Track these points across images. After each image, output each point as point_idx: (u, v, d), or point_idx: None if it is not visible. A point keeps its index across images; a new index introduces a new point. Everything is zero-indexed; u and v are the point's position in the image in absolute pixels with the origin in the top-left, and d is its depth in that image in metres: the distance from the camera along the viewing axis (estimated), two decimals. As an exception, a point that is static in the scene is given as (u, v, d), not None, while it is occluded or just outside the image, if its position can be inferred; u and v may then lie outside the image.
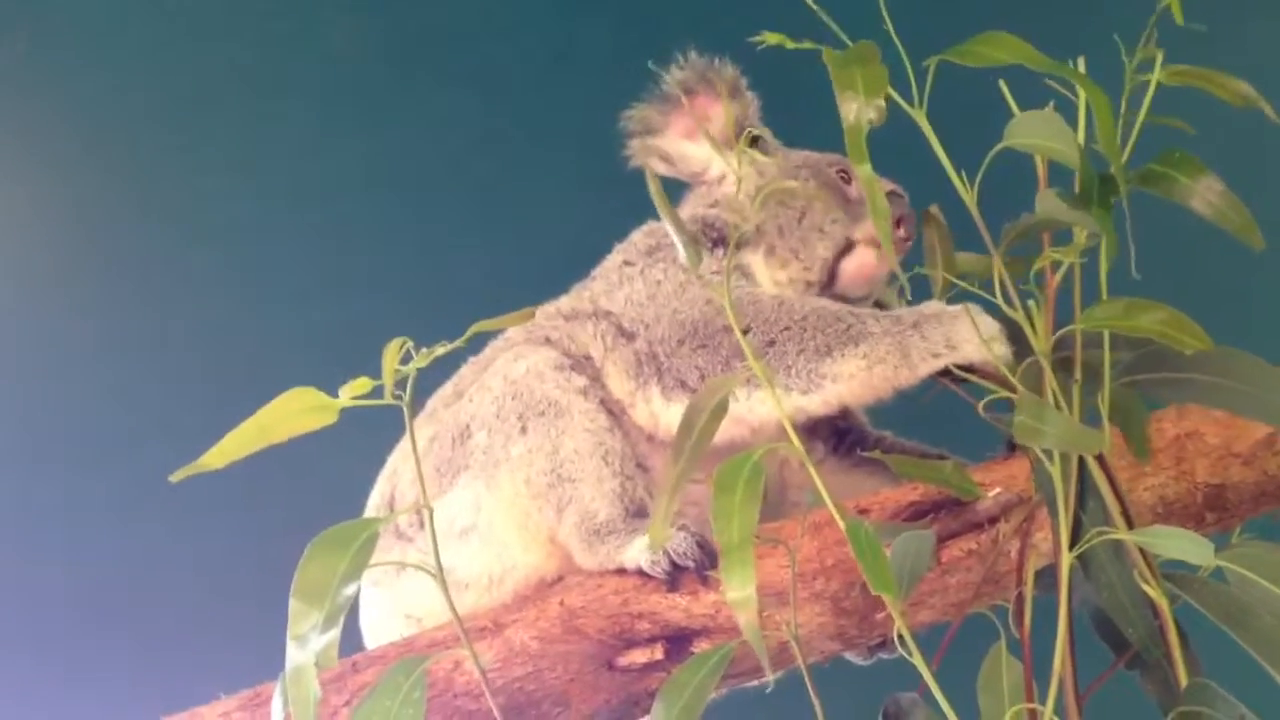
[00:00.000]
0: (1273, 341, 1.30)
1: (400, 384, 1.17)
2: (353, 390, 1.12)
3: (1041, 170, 1.28)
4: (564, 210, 2.19)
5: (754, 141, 1.53)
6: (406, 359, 1.15)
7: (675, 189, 1.59)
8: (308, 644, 1.09)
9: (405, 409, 1.19)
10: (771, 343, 1.39)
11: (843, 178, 1.54)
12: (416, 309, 2.14)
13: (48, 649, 2.11)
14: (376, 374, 1.17)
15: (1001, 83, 1.27)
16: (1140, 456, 1.30)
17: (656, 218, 1.54)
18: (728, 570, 1.08)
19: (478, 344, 1.50)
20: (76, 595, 2.14)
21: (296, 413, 1.14)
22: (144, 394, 2.19)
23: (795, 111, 1.55)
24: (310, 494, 1.87)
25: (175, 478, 1.16)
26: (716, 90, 1.52)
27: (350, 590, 1.10)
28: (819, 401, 1.40)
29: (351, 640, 1.50)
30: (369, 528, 1.13)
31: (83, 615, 2.13)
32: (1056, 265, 1.28)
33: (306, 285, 2.24)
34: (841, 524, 1.14)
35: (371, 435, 1.45)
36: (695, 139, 1.54)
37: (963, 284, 1.37)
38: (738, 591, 1.08)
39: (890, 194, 1.47)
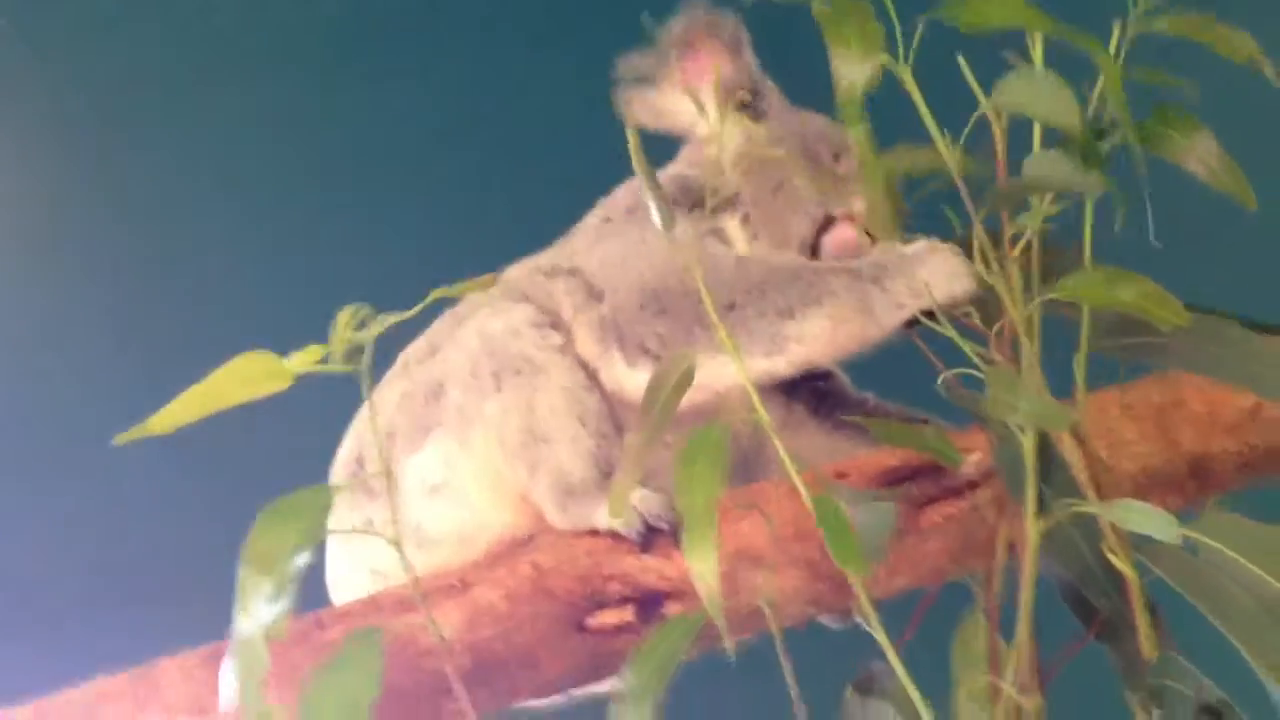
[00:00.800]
0: (1264, 305, 1.27)
1: (358, 351, 1.14)
2: (306, 357, 1.09)
3: (1037, 133, 1.24)
4: (551, 159, 2.15)
5: (748, 103, 1.50)
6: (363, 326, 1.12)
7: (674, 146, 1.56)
8: (257, 614, 1.07)
9: (363, 376, 1.16)
10: (731, 306, 1.36)
11: (833, 154, 1.50)
12: (398, 269, 2.10)
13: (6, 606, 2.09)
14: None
15: (960, 57, 1.23)
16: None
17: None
18: (689, 540, 1.06)
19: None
20: (39, 552, 2.11)
21: (249, 378, 1.11)
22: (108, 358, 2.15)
23: (786, 68, 1.52)
24: (279, 452, 1.86)
25: (120, 440, 1.13)
26: (716, 42, 1.48)
27: (302, 560, 1.08)
28: (784, 363, 1.37)
29: (318, 596, 1.49)
30: (324, 496, 1.10)
31: (45, 571, 2.11)
32: (1019, 234, 1.25)
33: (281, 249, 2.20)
34: (807, 499, 1.11)
35: (338, 398, 1.43)
36: (693, 92, 1.49)
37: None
38: (700, 563, 1.07)
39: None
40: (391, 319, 1.14)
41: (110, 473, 2.00)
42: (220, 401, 1.12)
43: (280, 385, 1.12)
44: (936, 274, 1.31)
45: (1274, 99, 1.28)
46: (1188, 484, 1.34)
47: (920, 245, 1.35)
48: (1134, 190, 1.20)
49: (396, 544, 1.18)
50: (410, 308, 1.20)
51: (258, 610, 1.07)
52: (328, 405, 1.45)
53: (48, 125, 2.19)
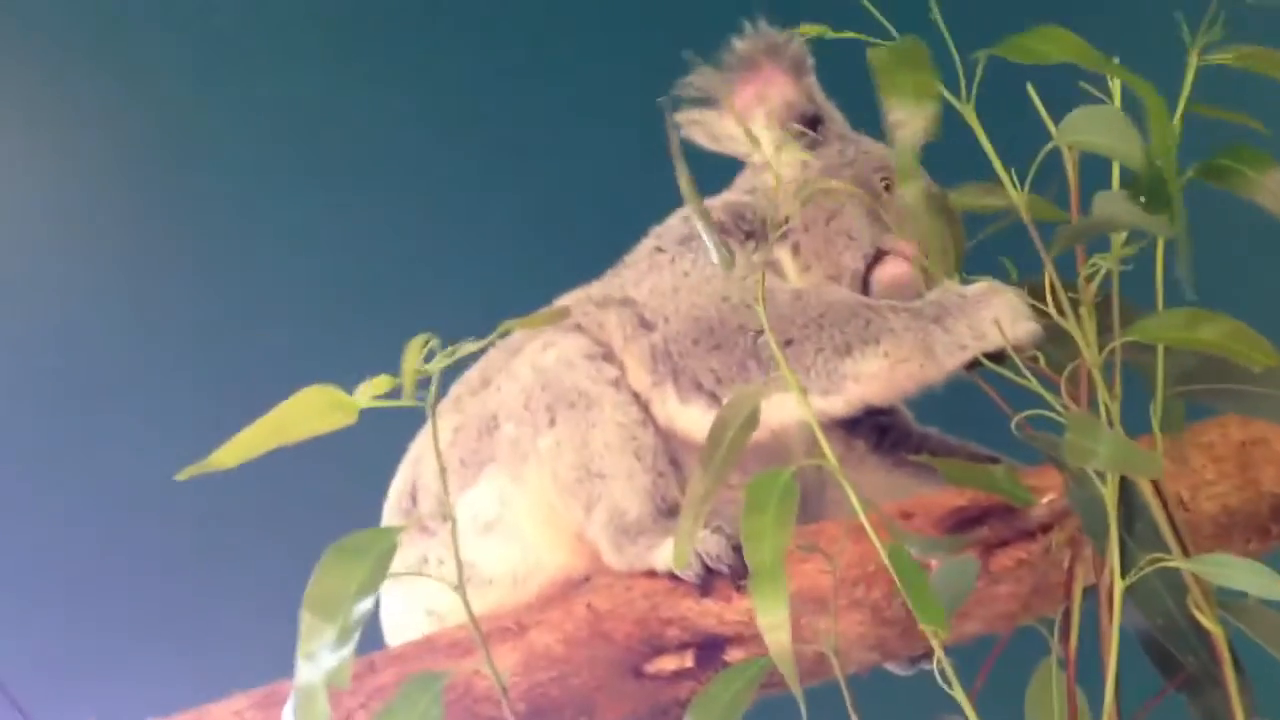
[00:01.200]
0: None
1: (423, 384, 1.11)
2: (372, 389, 1.06)
3: (1114, 171, 1.20)
4: (600, 192, 2.12)
5: (811, 127, 1.46)
6: (430, 357, 1.09)
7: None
8: (319, 661, 1.03)
9: (429, 410, 1.13)
10: (789, 342, 1.33)
11: (886, 185, 1.45)
12: (438, 301, 2.08)
13: (48, 641, 2.08)
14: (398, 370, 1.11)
15: (1029, 86, 1.19)
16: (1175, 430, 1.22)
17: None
18: (759, 594, 1.03)
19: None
20: (75, 585, 2.10)
21: (314, 412, 1.08)
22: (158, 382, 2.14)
23: (851, 91, 1.48)
24: (329, 481, 1.84)
25: (182, 476, 1.11)
26: (778, 65, 1.45)
27: (366, 605, 1.05)
28: (841, 403, 1.33)
29: (370, 636, 1.46)
30: (387, 538, 1.07)
31: (83, 607, 2.10)
32: (1093, 274, 1.21)
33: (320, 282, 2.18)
34: (881, 550, 1.08)
35: (390, 430, 1.40)
36: (749, 117, 1.45)
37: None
38: (769, 616, 1.03)
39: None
40: (462, 350, 1.11)
41: (164, 508, 1.99)
42: (284, 436, 1.09)
43: (346, 420, 1.10)
44: (1000, 316, 1.27)
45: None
46: (1270, 526, 1.29)
47: (982, 286, 1.31)
48: (1199, 232, 1.16)
49: (460, 587, 1.14)
50: (475, 337, 1.17)
51: (320, 657, 1.04)
52: (380, 439, 1.44)
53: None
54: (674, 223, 1.50)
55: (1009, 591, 1.27)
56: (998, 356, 1.27)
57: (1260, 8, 1.25)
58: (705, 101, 1.45)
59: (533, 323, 1.18)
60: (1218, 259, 1.15)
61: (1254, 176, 1.16)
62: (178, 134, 2.17)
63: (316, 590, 1.05)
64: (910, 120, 1.10)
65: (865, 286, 1.43)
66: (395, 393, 1.12)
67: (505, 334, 1.16)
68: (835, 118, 1.50)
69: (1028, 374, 1.19)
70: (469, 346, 1.11)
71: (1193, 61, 1.20)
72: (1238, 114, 1.21)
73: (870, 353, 1.31)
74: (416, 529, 1.44)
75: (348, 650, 1.04)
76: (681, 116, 1.46)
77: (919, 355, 1.30)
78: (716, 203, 1.49)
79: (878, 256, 1.43)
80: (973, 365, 1.29)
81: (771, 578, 1.03)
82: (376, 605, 1.42)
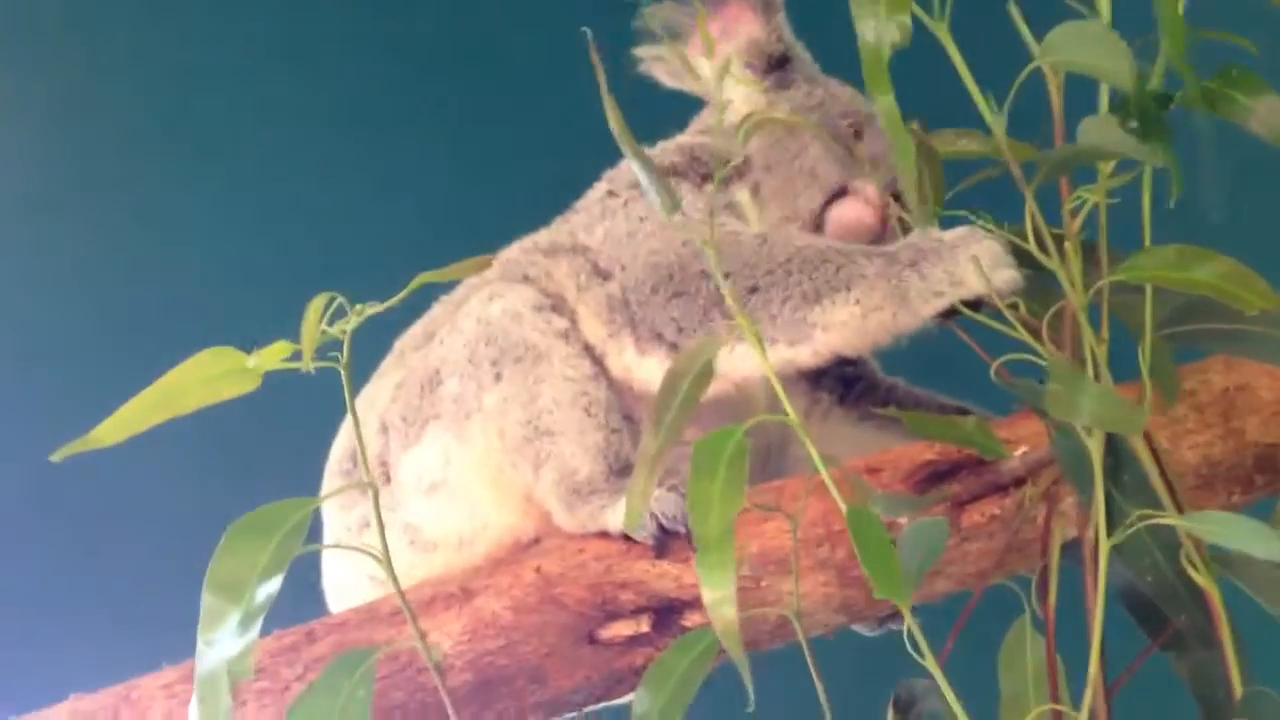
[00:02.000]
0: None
1: (336, 345, 1.03)
2: (272, 354, 0.98)
3: (1103, 95, 1.12)
4: (549, 133, 2.04)
5: (778, 68, 1.39)
6: (342, 314, 1.01)
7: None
8: (221, 647, 0.96)
9: (343, 372, 1.05)
10: (754, 289, 1.26)
11: (854, 130, 1.39)
12: (380, 245, 2.00)
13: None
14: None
15: (1011, 5, 1.12)
16: (1167, 399, 1.16)
17: (658, 141, 1.41)
18: (704, 566, 0.97)
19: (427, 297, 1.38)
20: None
21: (211, 378, 1.00)
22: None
23: (824, 32, 1.41)
24: (277, 446, 1.76)
25: (56, 457, 1.02)
26: (749, 2, 1.38)
27: (272, 586, 0.97)
28: (808, 353, 1.26)
29: (313, 601, 1.39)
30: (298, 510, 0.99)
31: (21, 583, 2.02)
32: (1078, 208, 1.14)
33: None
34: (843, 506, 1.01)
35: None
36: (715, 54, 1.37)
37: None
38: (714, 591, 0.98)
39: None
40: (369, 310, 1.02)
41: (93, 474, 1.91)
42: (177, 407, 1.01)
43: (247, 386, 1.01)
44: (980, 261, 1.20)
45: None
46: (1254, 478, 1.23)
47: (960, 231, 1.25)
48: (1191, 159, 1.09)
49: (386, 562, 1.07)
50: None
51: (222, 642, 0.96)
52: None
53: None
54: (625, 165, 1.43)
55: (981, 548, 1.22)
56: (975, 305, 1.21)
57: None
58: (668, 34, 1.38)
59: (452, 274, 1.10)
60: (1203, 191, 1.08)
61: (1245, 102, 1.09)
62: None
63: (219, 569, 0.98)
64: (881, 29, 1.02)
65: (819, 226, 1.36)
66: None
67: (420, 288, 1.08)
68: (804, 59, 1.44)
69: (1010, 319, 1.12)
70: (375, 307, 1.03)
71: None
72: (1227, 34, 1.13)
73: (840, 300, 1.24)
74: (357, 489, 1.37)
75: (252, 635, 0.97)
76: (642, 50, 1.40)
77: (892, 303, 1.23)
78: (671, 145, 1.43)
79: (839, 193, 1.36)
80: (949, 314, 1.23)
81: (718, 549, 0.97)
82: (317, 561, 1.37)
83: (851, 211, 1.36)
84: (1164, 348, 1.14)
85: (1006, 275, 1.20)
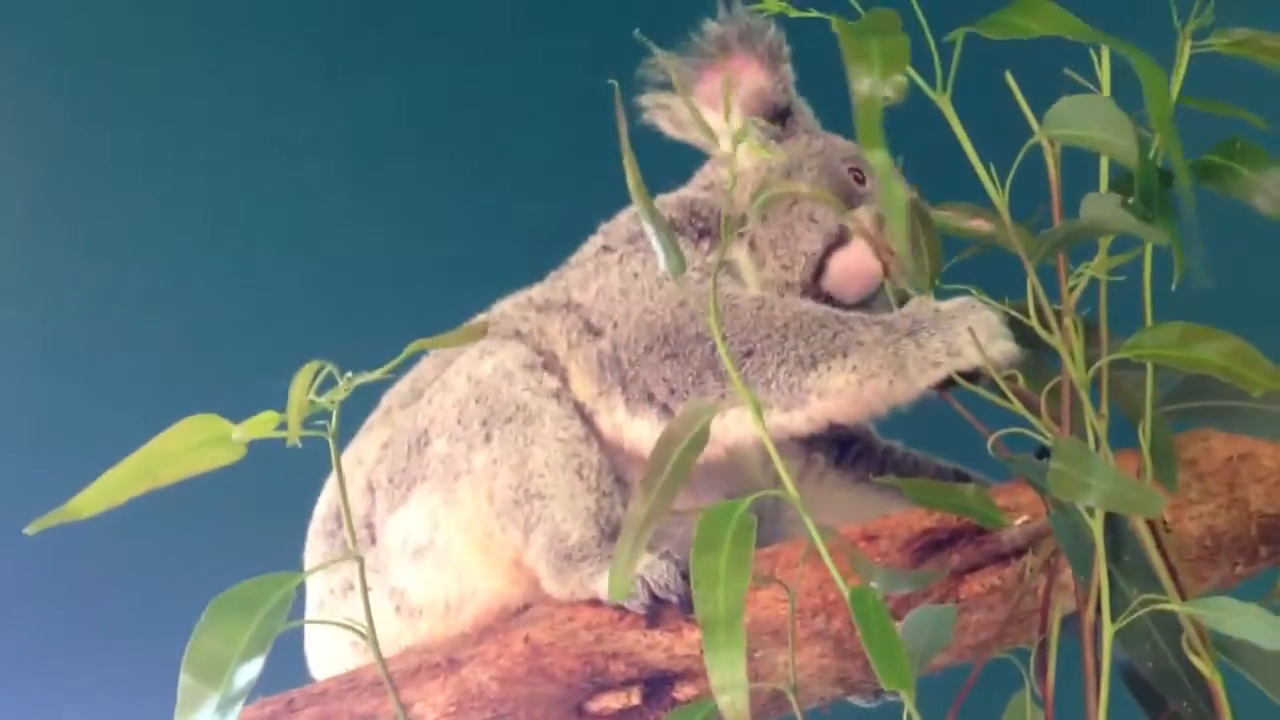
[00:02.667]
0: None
1: (324, 415, 1.00)
2: (258, 425, 0.95)
3: (1103, 168, 1.10)
4: (545, 186, 2.02)
5: (780, 120, 1.38)
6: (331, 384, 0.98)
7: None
8: (199, 733, 0.93)
9: (331, 441, 1.02)
10: (749, 353, 1.24)
11: (855, 176, 1.37)
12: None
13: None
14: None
15: (1008, 75, 1.11)
16: (1169, 488, 1.14)
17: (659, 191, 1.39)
18: (712, 649, 0.93)
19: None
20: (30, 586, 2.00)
21: (193, 447, 0.97)
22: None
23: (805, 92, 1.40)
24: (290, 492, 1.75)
25: (32, 529, 0.99)
26: (751, 53, 1.36)
27: (253, 669, 0.94)
28: (802, 419, 1.24)
29: (295, 667, 1.36)
30: (282, 587, 0.96)
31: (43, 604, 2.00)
32: (1078, 284, 1.12)
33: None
34: (842, 586, 0.99)
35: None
36: (717, 105, 1.35)
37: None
38: (724, 675, 0.93)
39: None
40: (358, 379, 1.00)
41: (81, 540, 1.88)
42: (158, 477, 0.98)
43: (231, 457, 0.99)
44: (976, 333, 1.18)
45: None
46: (1258, 548, 1.21)
47: (958, 302, 1.23)
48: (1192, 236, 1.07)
49: (371, 635, 1.04)
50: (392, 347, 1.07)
51: (200, 728, 0.93)
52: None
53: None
54: (623, 219, 1.42)
55: (981, 620, 1.19)
56: (972, 376, 1.19)
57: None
58: (671, 85, 1.36)
59: (446, 342, 1.07)
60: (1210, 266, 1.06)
61: (1250, 176, 1.06)
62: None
63: (198, 648, 0.95)
64: (875, 86, 1.00)
65: (820, 272, 1.34)
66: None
67: (414, 355, 1.05)
68: (805, 112, 1.43)
69: (1007, 392, 1.10)
70: (365, 376, 1.00)
71: (1184, 48, 1.12)
72: (1233, 107, 1.11)
73: (837, 366, 1.22)
74: (343, 551, 1.34)
75: None
76: (646, 99, 1.38)
77: (889, 371, 1.21)
78: (671, 198, 1.41)
79: (839, 239, 1.34)
80: (946, 385, 1.21)
81: (727, 630, 0.93)
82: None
83: (855, 257, 1.34)
84: (1164, 425, 1.11)
85: (1004, 347, 1.18)
